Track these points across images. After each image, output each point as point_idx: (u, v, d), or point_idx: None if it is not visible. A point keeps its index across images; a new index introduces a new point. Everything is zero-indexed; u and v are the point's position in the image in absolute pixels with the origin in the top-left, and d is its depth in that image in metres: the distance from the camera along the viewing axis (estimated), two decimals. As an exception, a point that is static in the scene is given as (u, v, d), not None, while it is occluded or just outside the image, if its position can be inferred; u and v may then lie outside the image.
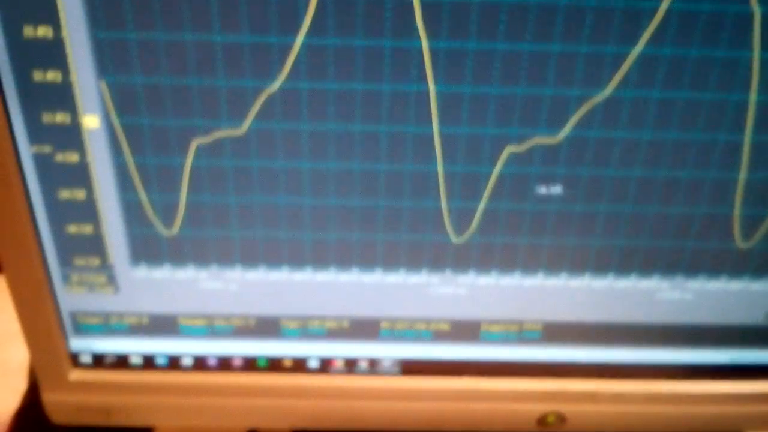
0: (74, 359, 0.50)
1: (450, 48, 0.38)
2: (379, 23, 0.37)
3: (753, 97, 0.40)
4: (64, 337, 0.49)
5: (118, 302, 0.47)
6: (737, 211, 0.44)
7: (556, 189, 0.43)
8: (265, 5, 0.37)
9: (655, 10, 0.37)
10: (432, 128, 0.41)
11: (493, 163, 0.42)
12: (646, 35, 0.38)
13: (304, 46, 0.38)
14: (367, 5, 0.37)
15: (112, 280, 0.46)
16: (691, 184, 0.43)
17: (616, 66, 0.39)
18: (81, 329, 0.48)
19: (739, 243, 0.45)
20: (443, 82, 0.39)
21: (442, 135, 0.41)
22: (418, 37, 0.38)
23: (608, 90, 0.39)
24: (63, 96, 0.39)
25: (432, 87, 0.39)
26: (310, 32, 0.38)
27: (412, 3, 0.37)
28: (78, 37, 0.38)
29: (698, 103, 0.40)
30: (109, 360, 0.50)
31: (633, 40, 0.38)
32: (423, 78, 0.39)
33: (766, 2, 0.37)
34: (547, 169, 0.42)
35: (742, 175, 0.42)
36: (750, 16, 0.38)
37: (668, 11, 0.37)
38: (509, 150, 0.41)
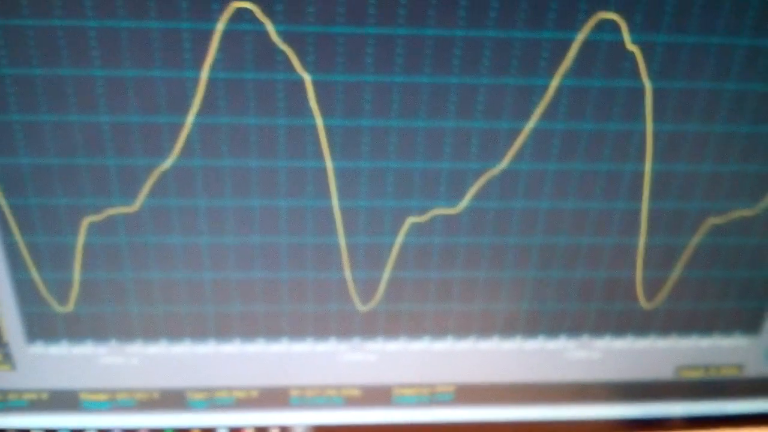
0: (-28, 437, 0.48)
1: (345, 126, 0.38)
2: (272, 102, 0.37)
3: (647, 167, 0.40)
4: (-40, 415, 0.46)
5: (16, 379, 0.45)
6: (639, 273, 0.44)
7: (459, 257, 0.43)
8: (153, 86, 0.36)
9: (546, 87, 0.37)
10: (331, 202, 0.40)
11: (395, 234, 0.42)
12: (539, 111, 0.38)
13: (196, 125, 0.37)
14: (259, 86, 0.36)
15: (7, 357, 0.44)
16: (592, 249, 0.43)
17: (511, 140, 0.39)
18: (-23, 406, 0.46)
19: (644, 303, 0.46)
20: (340, 158, 0.39)
21: (342, 208, 0.40)
22: (312, 115, 0.37)
23: (504, 163, 0.39)
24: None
25: (329, 163, 0.39)
26: (201, 111, 0.37)
27: (304, 83, 0.36)
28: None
29: (594, 174, 0.40)
30: (9, 436, 0.48)
31: (526, 115, 0.38)
32: (320, 154, 0.38)
33: (656, 77, 0.38)
34: (449, 238, 0.42)
35: (642, 239, 0.43)
36: (641, 90, 0.38)
37: (560, 87, 0.37)
38: (410, 221, 0.41)
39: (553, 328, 0.46)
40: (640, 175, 0.41)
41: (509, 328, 0.46)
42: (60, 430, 0.48)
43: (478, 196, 0.40)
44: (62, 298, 0.42)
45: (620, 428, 0.51)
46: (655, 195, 0.41)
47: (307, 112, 0.37)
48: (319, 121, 0.37)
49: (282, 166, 0.39)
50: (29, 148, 0.37)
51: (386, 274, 0.43)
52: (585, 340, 0.47)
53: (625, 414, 0.50)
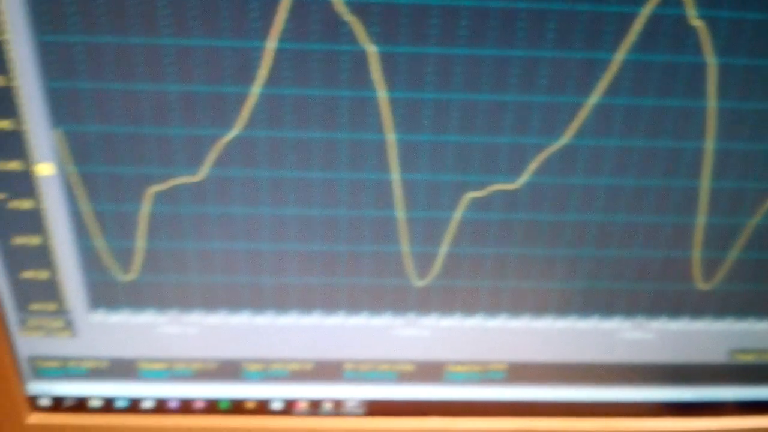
0: (32, 403, 0.49)
1: (407, 98, 0.38)
2: (336, 74, 0.37)
3: (709, 144, 0.40)
4: (22, 380, 0.48)
5: (76, 346, 0.46)
6: (697, 253, 0.44)
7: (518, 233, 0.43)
8: (221, 56, 0.37)
9: (610, 62, 0.37)
10: (391, 176, 0.40)
11: (454, 209, 0.42)
12: (602, 85, 0.38)
13: (261, 95, 0.38)
14: (324, 57, 0.37)
15: (69, 324, 0.45)
16: (650, 227, 0.43)
17: (573, 115, 0.39)
18: (39, 373, 0.48)
19: (700, 284, 0.45)
20: (402, 131, 0.39)
21: (402, 182, 0.41)
22: (375, 88, 0.38)
23: (565, 138, 0.39)
24: (16, 144, 0.39)
25: (391, 136, 0.39)
26: (267, 82, 0.37)
27: (368, 55, 0.37)
28: (31, 87, 0.37)
29: (655, 151, 0.40)
30: (68, 403, 0.49)
31: (588, 90, 0.38)
32: (381, 127, 0.39)
33: (721, 53, 0.37)
34: (507, 214, 0.42)
35: (700, 219, 0.43)
36: (704, 67, 0.38)
37: (623, 62, 0.37)
38: (470, 195, 0.41)
39: (608, 308, 0.46)
40: (700, 153, 0.40)
41: (564, 306, 0.46)
42: (117, 398, 0.49)
43: (537, 172, 0.40)
44: (125, 267, 0.43)
45: (671, 411, 0.50)
46: (715, 173, 0.41)
47: (370, 84, 0.37)
48: (382, 94, 0.38)
49: (343, 138, 0.39)
50: (98, 116, 0.38)
51: (443, 249, 0.43)
52: (640, 320, 0.46)
53: (675, 397, 0.50)
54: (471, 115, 0.39)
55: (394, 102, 0.38)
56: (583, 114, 0.39)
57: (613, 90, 0.38)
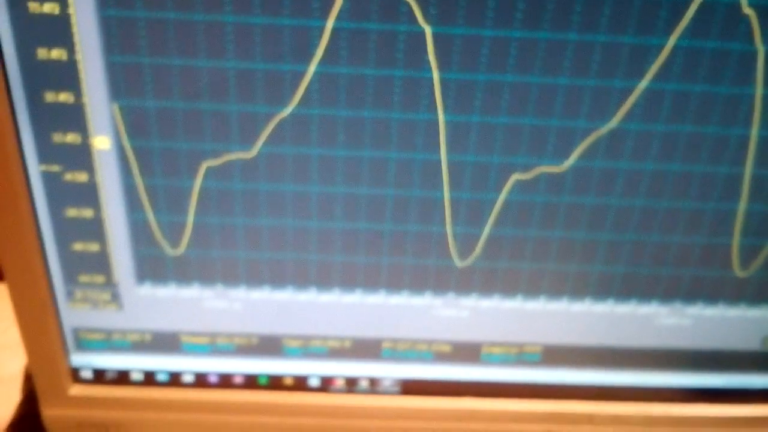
0: (75, 374, 0.50)
1: (460, 79, 0.39)
2: (391, 54, 0.38)
3: (754, 132, 0.41)
4: (66, 352, 0.49)
5: (122, 319, 0.47)
6: (736, 240, 0.45)
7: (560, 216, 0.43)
8: (280, 34, 0.37)
9: (662, 47, 0.38)
10: (440, 156, 0.41)
11: (499, 190, 0.42)
12: (653, 70, 0.39)
13: (317, 74, 0.38)
14: (380, 37, 0.37)
15: (116, 297, 0.46)
16: (692, 214, 0.44)
17: (622, 99, 0.39)
18: (83, 345, 0.49)
19: (738, 271, 0.46)
20: (452, 111, 0.40)
21: (449, 162, 0.41)
22: (430, 68, 0.38)
23: (613, 122, 0.40)
24: (74, 117, 0.40)
25: (441, 116, 0.40)
26: (323, 61, 0.38)
27: (424, 35, 0.37)
28: (91, 61, 0.38)
29: (701, 137, 0.41)
30: (109, 376, 0.50)
31: (639, 74, 0.39)
32: (433, 107, 0.39)
33: (771, 41, 0.38)
34: (551, 197, 0.43)
35: (742, 206, 0.43)
36: (754, 54, 0.38)
37: (675, 48, 0.38)
38: (515, 177, 0.42)
39: (646, 293, 0.47)
40: (746, 140, 0.41)
41: (602, 290, 0.46)
42: (159, 371, 0.50)
43: (584, 156, 0.41)
44: (174, 241, 0.44)
45: (703, 397, 0.51)
46: (758, 161, 0.42)
47: (424, 64, 0.38)
48: (436, 74, 0.38)
49: (395, 118, 0.40)
50: (156, 91, 0.39)
51: (486, 230, 0.44)
52: (677, 306, 0.47)
53: (708, 383, 0.51)
54: (522, 97, 0.39)
55: (446, 83, 0.39)
56: (632, 98, 0.39)
57: (663, 75, 0.39)
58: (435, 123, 0.40)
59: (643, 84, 0.39)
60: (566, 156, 0.41)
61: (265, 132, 0.40)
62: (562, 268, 0.45)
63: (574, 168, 0.42)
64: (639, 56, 0.38)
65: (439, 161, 0.41)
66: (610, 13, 0.37)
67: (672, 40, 0.38)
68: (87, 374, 0.50)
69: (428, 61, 0.38)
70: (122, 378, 0.50)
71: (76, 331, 0.48)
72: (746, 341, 0.49)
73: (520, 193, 0.43)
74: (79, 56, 0.38)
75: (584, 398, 0.50)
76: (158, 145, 0.41)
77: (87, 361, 0.49)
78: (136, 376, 0.50)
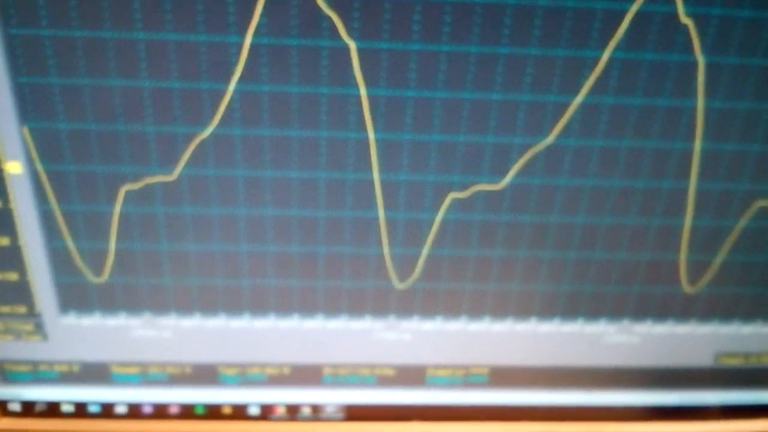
0: (3, 407, 0.47)
1: (389, 96, 0.37)
2: (316, 71, 0.36)
3: (697, 145, 0.39)
4: (-9, 385, 0.46)
5: (47, 350, 0.45)
6: (684, 256, 0.43)
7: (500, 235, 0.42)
8: (196, 51, 0.35)
9: (597, 60, 0.36)
10: (372, 175, 0.39)
11: (436, 210, 0.41)
12: (589, 84, 0.37)
13: (237, 92, 0.36)
14: (303, 53, 0.36)
15: (40, 328, 0.44)
16: (637, 229, 0.42)
17: (558, 114, 0.38)
18: (9, 377, 0.46)
19: (686, 288, 0.44)
20: (383, 129, 0.38)
21: (383, 182, 0.40)
22: (356, 85, 0.36)
23: (550, 138, 0.39)
24: (-19, 142, 0.37)
25: (371, 135, 0.38)
26: (243, 78, 0.36)
27: (349, 51, 0.36)
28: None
29: (642, 152, 0.39)
30: (39, 408, 0.48)
31: (575, 88, 0.37)
32: (362, 125, 0.38)
33: (710, 52, 0.36)
34: (490, 215, 0.41)
35: (688, 221, 0.42)
36: (694, 65, 0.37)
37: (611, 60, 0.36)
38: (452, 196, 0.40)
39: (592, 312, 0.45)
40: (689, 154, 0.40)
41: (548, 310, 0.45)
42: (90, 403, 0.47)
43: (522, 173, 0.39)
44: (97, 269, 0.42)
45: (656, 415, 0.50)
46: (703, 174, 0.40)
47: (351, 80, 0.36)
48: (363, 91, 0.37)
49: (323, 137, 0.38)
50: (68, 112, 0.37)
51: (425, 250, 0.42)
52: (625, 324, 0.46)
53: (661, 401, 0.49)
54: (454, 113, 0.38)
55: (374, 100, 0.37)
56: (569, 113, 0.38)
57: (600, 89, 0.37)
58: (365, 141, 0.38)
59: (579, 99, 0.37)
60: (504, 173, 0.39)
61: (186, 153, 0.38)
62: (505, 288, 0.44)
63: (512, 185, 0.40)
64: (574, 70, 0.37)
65: (372, 181, 0.39)
66: (542, 26, 0.35)
67: (607, 54, 0.36)
68: (15, 407, 0.48)
69: (354, 78, 0.36)
70: (52, 410, 0.48)
71: (2, 364, 0.46)
72: (698, 358, 0.48)
73: (458, 212, 0.41)
74: (-19, 78, 0.36)
75: (534, 419, 0.49)
76: (74, 169, 0.39)
77: (15, 393, 0.47)
78: (67, 408, 0.48)
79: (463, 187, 0.40)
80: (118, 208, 0.40)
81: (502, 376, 0.47)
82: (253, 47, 0.35)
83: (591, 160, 0.39)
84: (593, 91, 0.37)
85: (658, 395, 0.49)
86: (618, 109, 0.38)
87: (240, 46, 0.35)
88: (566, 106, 0.37)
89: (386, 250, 0.42)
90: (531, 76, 0.37)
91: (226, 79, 0.36)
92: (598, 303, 0.45)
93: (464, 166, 0.39)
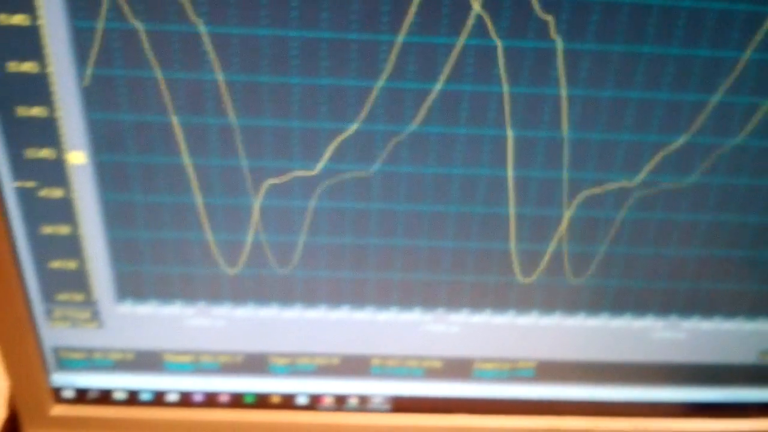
0: (56, 394, 0.48)
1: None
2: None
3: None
4: (46, 371, 0.47)
5: (102, 338, 0.46)
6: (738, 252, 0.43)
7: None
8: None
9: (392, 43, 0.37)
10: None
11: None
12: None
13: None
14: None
15: (96, 315, 0.45)
16: (685, 225, 0.42)
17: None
18: (64, 364, 0.47)
19: (734, 284, 0.45)
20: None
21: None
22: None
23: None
24: (48, 132, 0.38)
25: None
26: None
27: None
28: (65, 74, 0.37)
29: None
30: (92, 395, 0.49)
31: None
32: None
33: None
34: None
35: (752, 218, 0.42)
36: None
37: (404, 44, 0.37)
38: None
39: (641, 307, 0.45)
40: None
41: (596, 305, 0.45)
42: (142, 391, 0.48)
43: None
44: (154, 258, 0.43)
45: (699, 412, 0.50)
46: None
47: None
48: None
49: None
50: (131, 103, 0.38)
51: (475, 245, 0.43)
52: (673, 320, 0.46)
53: (704, 397, 0.49)
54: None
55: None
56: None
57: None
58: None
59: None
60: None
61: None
62: (553, 283, 0.44)
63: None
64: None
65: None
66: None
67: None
68: (69, 394, 0.49)
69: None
70: (105, 397, 0.49)
71: (57, 351, 0.47)
72: (743, 355, 0.48)
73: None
74: (51, 69, 0.37)
75: (579, 414, 0.49)
76: (135, 160, 0.39)
77: (69, 380, 0.48)
78: (119, 396, 0.49)
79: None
80: (181, 198, 0.40)
81: (548, 371, 0.48)
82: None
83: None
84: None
85: (701, 391, 0.49)
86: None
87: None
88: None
89: (438, 243, 0.42)
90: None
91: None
92: (647, 298, 0.45)
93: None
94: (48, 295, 0.44)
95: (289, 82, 0.37)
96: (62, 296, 0.44)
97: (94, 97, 0.37)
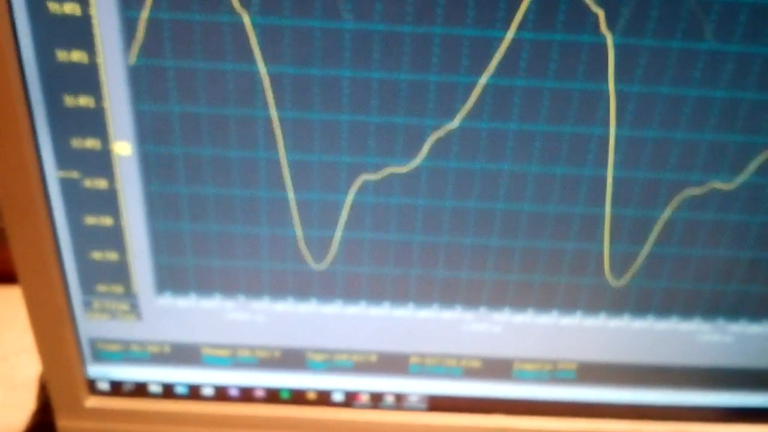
0: (91, 386, 0.48)
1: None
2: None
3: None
4: (82, 363, 0.47)
5: (140, 330, 0.46)
6: (785, 255, 0.42)
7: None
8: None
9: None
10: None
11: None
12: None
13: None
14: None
15: (135, 308, 0.45)
16: (737, 225, 0.41)
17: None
18: (100, 356, 0.47)
19: (785, 288, 0.44)
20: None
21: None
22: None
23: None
24: (94, 122, 0.38)
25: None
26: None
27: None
28: (113, 64, 0.37)
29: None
30: (127, 388, 0.48)
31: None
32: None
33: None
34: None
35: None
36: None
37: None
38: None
39: (687, 309, 0.44)
40: None
41: (642, 306, 0.44)
42: (178, 384, 0.48)
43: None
44: (196, 250, 0.42)
45: (744, 417, 0.49)
46: None
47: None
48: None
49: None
50: (179, 95, 0.37)
51: (521, 243, 0.42)
52: (720, 323, 0.45)
53: (750, 403, 0.48)
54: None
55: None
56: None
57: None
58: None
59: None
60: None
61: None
62: (598, 283, 0.43)
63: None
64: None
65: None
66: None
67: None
68: (104, 386, 0.48)
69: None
70: (140, 390, 0.48)
71: (94, 342, 0.46)
72: (791, 360, 0.47)
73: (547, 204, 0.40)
74: (100, 59, 0.36)
75: (620, 417, 0.49)
76: (179, 152, 0.39)
77: (104, 372, 0.48)
78: (155, 389, 0.48)
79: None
80: (221, 190, 0.40)
81: (590, 372, 0.47)
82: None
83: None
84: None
85: (748, 396, 0.48)
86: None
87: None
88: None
89: (481, 241, 0.42)
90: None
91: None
92: (693, 301, 0.44)
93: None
94: (88, 287, 0.44)
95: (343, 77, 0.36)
96: (102, 288, 0.44)
97: (141, 87, 0.37)
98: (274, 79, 0.37)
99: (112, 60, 0.36)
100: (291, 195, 0.40)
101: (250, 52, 0.36)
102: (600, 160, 0.39)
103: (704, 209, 0.41)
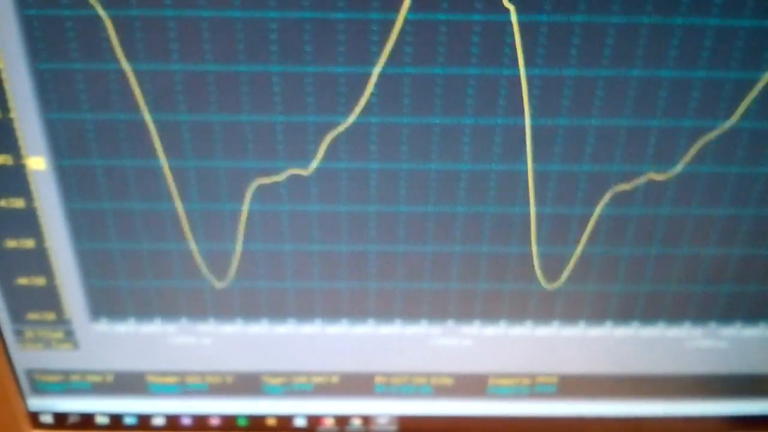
0: (34, 419, 0.45)
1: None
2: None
3: None
4: (22, 395, 0.43)
5: (79, 359, 0.42)
6: (780, 251, 0.38)
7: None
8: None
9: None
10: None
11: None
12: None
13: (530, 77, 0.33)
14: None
15: (70, 335, 0.41)
16: (728, 220, 0.37)
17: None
18: (39, 388, 0.43)
19: (780, 286, 0.40)
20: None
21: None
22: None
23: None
24: (3, 135, 0.34)
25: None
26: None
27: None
28: (17, 69, 0.33)
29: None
30: (72, 419, 0.45)
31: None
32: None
33: None
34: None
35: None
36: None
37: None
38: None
39: (676, 314, 0.40)
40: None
41: (625, 312, 0.40)
42: (126, 414, 0.44)
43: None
44: (130, 272, 0.38)
45: (741, 426, 0.45)
46: None
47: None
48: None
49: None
50: (91, 102, 0.33)
51: (485, 248, 0.38)
52: (712, 327, 0.41)
53: (746, 410, 0.45)
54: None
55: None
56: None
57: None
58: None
59: None
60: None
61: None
62: (576, 289, 0.39)
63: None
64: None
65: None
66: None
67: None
68: (47, 419, 0.45)
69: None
70: (86, 421, 0.45)
71: (31, 373, 0.43)
72: (791, 364, 0.43)
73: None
74: (1, 65, 0.32)
75: (607, 432, 0.45)
76: (101, 164, 0.35)
77: (46, 404, 0.44)
78: (101, 420, 0.45)
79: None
80: (153, 206, 0.36)
81: (572, 386, 0.43)
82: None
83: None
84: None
85: (744, 404, 0.44)
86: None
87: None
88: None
89: (425, 248, 0.38)
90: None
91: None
92: (682, 305, 0.40)
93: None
94: (17, 315, 0.40)
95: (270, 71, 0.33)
96: (33, 315, 0.40)
97: (50, 94, 0.33)
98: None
99: (16, 64, 0.32)
100: (240, 206, 0.36)
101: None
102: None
103: (689, 204, 0.37)
